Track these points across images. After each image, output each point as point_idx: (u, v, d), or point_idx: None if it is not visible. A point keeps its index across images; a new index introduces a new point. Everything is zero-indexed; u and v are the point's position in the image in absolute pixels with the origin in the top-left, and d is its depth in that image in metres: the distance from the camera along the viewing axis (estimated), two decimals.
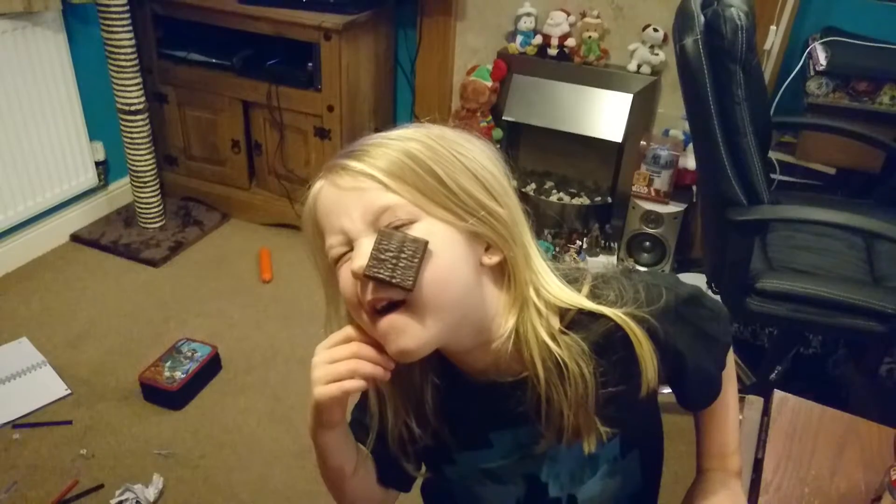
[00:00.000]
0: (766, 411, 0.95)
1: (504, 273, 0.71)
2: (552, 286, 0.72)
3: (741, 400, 0.99)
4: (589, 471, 0.81)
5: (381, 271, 0.63)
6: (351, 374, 0.67)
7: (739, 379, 2.02)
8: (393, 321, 0.65)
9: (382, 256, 0.63)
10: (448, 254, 0.66)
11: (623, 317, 0.72)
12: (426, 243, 0.63)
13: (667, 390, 0.84)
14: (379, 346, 0.68)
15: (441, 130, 0.70)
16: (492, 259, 0.69)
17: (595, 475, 0.82)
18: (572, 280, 0.75)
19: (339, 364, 0.67)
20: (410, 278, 0.62)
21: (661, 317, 0.73)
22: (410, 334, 0.65)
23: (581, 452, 0.76)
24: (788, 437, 0.90)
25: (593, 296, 0.74)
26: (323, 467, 0.80)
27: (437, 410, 0.77)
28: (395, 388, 0.75)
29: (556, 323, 0.72)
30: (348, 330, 0.69)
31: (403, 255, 0.63)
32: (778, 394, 0.95)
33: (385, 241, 0.63)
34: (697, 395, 0.85)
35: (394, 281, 0.62)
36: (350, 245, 0.67)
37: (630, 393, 0.73)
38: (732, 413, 0.89)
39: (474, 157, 0.69)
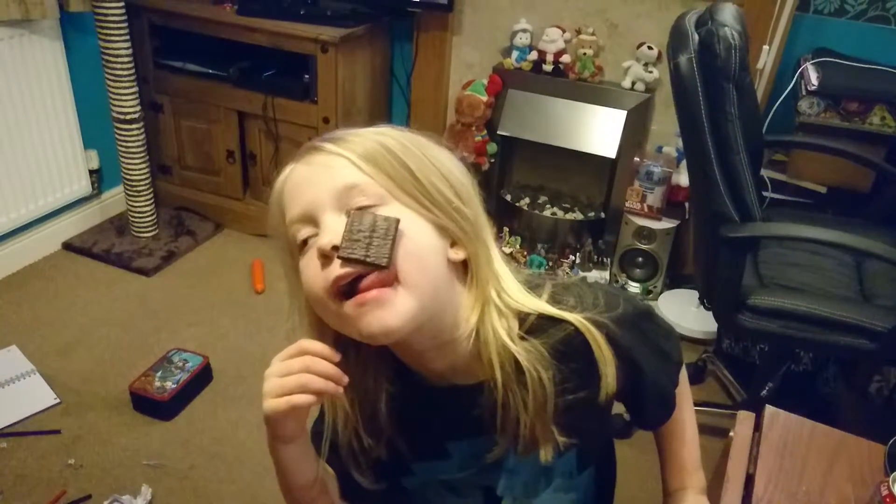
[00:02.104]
0: (757, 427, 0.95)
1: (467, 272, 0.71)
2: (512, 289, 0.73)
3: (732, 416, 0.99)
4: (543, 482, 0.81)
5: (355, 251, 0.62)
6: (301, 389, 0.65)
7: (730, 395, 2.03)
8: (372, 297, 0.63)
9: (355, 237, 0.63)
10: (419, 236, 0.66)
11: (583, 321, 0.72)
12: (398, 220, 0.64)
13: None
14: (336, 352, 0.66)
15: (413, 134, 0.72)
16: (457, 255, 0.70)
17: (549, 488, 0.81)
18: (533, 286, 0.76)
19: (289, 378, 0.65)
20: (385, 256, 0.62)
21: (619, 324, 0.74)
22: (391, 310, 0.64)
23: (537, 463, 0.75)
24: (779, 452, 0.90)
25: (554, 301, 0.74)
26: (282, 483, 0.78)
27: (392, 420, 0.76)
28: (347, 397, 0.73)
29: (515, 326, 0.73)
30: (302, 343, 0.67)
31: (376, 234, 0.63)
32: (769, 409, 0.96)
33: (357, 222, 0.63)
34: (653, 410, 0.85)
35: (368, 259, 0.62)
36: (313, 225, 0.67)
37: (589, 400, 0.74)
38: (690, 430, 0.89)
39: (443, 160, 0.71)
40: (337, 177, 0.67)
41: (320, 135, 0.74)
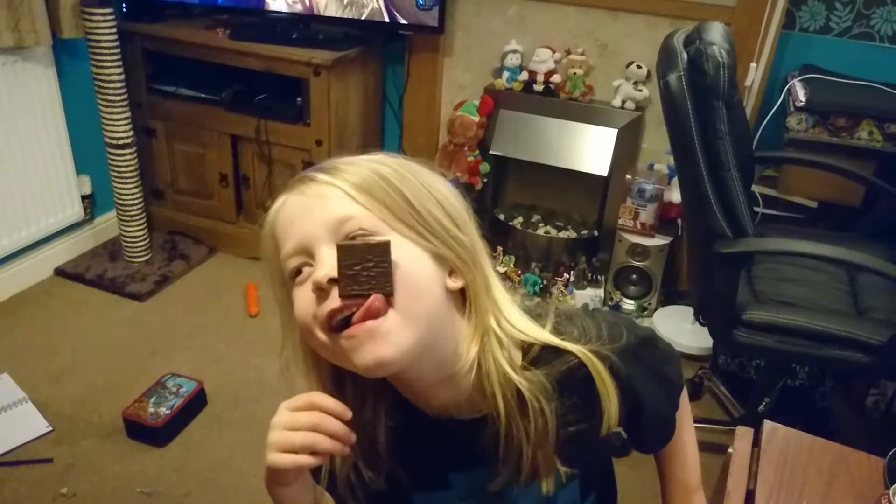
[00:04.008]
0: (756, 442, 0.95)
1: (465, 302, 0.70)
2: (513, 316, 0.72)
3: (730, 432, 0.99)
4: None
5: (356, 288, 0.61)
6: (307, 448, 0.64)
7: (727, 411, 2.03)
8: (364, 329, 0.62)
9: (350, 272, 0.61)
10: (416, 264, 0.65)
11: (587, 353, 0.72)
12: (388, 242, 0.62)
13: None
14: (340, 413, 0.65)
15: (407, 161, 0.72)
16: (455, 283, 0.68)
17: None
18: (535, 316, 0.75)
19: (296, 434, 0.64)
20: (387, 283, 0.61)
21: (622, 356, 0.73)
22: (388, 341, 0.62)
23: (540, 494, 0.74)
24: (779, 468, 0.90)
25: (557, 332, 0.73)
26: None
27: (392, 451, 0.74)
28: None
29: (518, 357, 0.71)
30: (314, 396, 0.66)
31: (370, 264, 0.61)
32: (768, 424, 0.96)
33: (347, 257, 0.62)
34: (653, 437, 0.85)
35: (372, 293, 0.61)
36: (307, 256, 0.66)
37: (590, 432, 0.73)
38: (690, 451, 0.89)
39: (438, 188, 0.70)
40: (332, 208, 0.65)
41: (313, 157, 0.73)
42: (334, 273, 0.62)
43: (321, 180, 0.68)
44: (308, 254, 0.66)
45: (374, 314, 0.62)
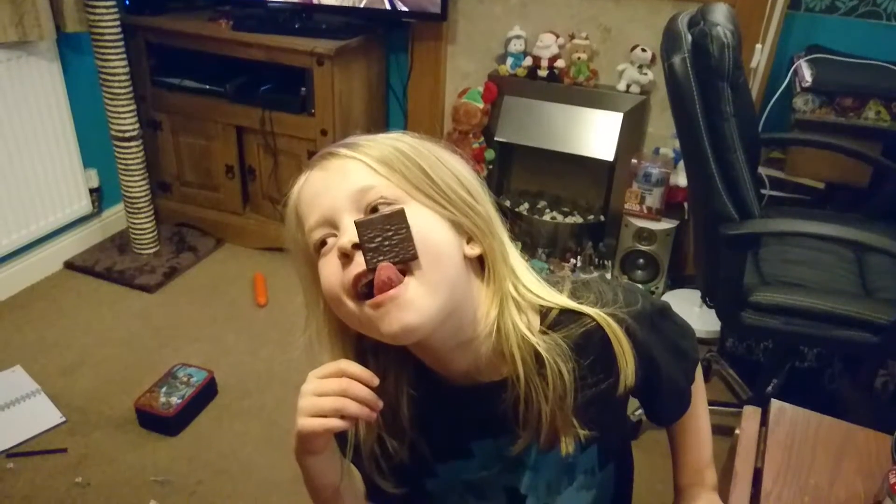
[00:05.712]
0: (763, 422, 0.95)
1: (484, 268, 0.72)
2: (531, 283, 0.74)
3: (738, 414, 0.99)
4: (566, 480, 0.81)
5: (380, 258, 0.63)
6: (336, 412, 0.65)
7: (736, 393, 2.03)
8: (389, 296, 0.64)
9: (373, 245, 0.63)
10: (436, 232, 0.67)
11: (604, 315, 0.73)
12: (402, 209, 0.64)
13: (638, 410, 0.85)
14: (368, 379, 0.67)
15: (423, 138, 0.74)
16: (473, 250, 0.71)
17: (572, 485, 0.82)
18: (553, 283, 0.77)
19: (326, 399, 0.66)
20: (411, 248, 0.63)
21: (638, 320, 0.75)
22: (413, 308, 0.64)
23: (560, 460, 0.76)
24: (787, 447, 0.90)
25: (573, 297, 0.75)
26: (310, 487, 0.79)
27: (414, 421, 0.76)
28: None
29: (536, 322, 0.73)
30: (342, 363, 0.67)
31: (390, 233, 0.63)
32: (775, 404, 0.96)
33: (367, 231, 0.64)
34: (668, 407, 0.86)
35: (398, 260, 0.63)
36: (331, 227, 0.68)
37: (607, 393, 0.75)
38: (704, 427, 0.90)
39: (454, 163, 0.73)
40: (353, 180, 0.68)
41: (318, 147, 0.75)
42: (357, 238, 0.64)
43: (342, 154, 0.70)
44: (332, 224, 0.68)
45: (388, 285, 0.64)
